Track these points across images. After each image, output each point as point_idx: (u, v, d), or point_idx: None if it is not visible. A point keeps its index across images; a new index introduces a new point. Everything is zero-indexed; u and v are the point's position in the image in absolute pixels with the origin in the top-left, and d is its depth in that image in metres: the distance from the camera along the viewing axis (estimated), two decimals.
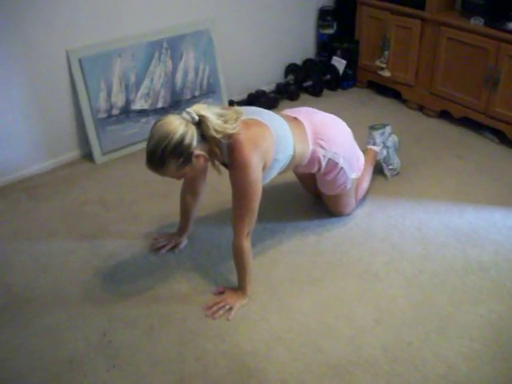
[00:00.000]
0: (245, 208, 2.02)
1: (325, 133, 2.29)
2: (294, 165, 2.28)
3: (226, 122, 1.95)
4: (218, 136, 1.94)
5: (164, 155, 1.89)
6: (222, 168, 2.14)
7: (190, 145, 1.90)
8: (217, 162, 2.11)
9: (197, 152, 1.94)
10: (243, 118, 2.03)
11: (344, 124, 2.45)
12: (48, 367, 1.91)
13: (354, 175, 2.44)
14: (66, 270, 2.35)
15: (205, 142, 1.97)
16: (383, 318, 2.08)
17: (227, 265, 2.29)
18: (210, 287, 2.23)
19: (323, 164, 2.31)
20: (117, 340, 2.01)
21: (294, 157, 2.21)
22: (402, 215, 2.65)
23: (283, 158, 2.16)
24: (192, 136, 1.91)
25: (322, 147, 2.28)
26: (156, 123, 1.94)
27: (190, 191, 2.35)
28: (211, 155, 2.04)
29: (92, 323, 2.08)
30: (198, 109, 1.94)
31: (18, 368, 1.92)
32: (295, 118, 2.29)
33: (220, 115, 1.96)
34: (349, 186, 2.45)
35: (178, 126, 1.89)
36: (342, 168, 2.35)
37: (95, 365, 1.91)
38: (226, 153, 2.02)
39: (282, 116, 2.27)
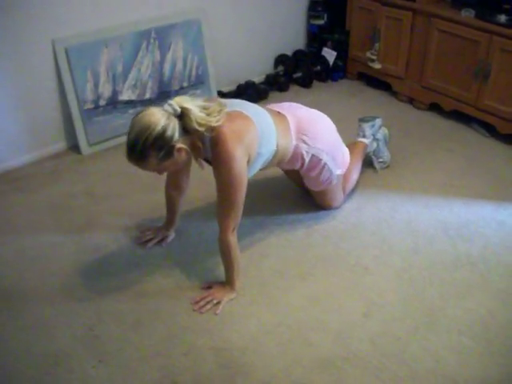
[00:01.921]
0: (230, 203, 1.99)
1: (308, 128, 2.26)
2: (277, 160, 2.25)
3: (209, 114, 1.91)
4: (201, 129, 1.90)
5: (144, 148, 1.86)
6: (205, 163, 2.11)
7: (171, 137, 1.87)
8: (199, 158, 2.07)
9: (179, 145, 1.91)
10: (227, 110, 2.00)
11: (328, 119, 2.42)
12: (34, 362, 1.89)
13: (338, 171, 2.41)
14: (52, 263, 2.32)
15: (187, 135, 1.93)
16: (372, 311, 2.07)
17: (215, 259, 2.26)
18: (198, 281, 2.21)
19: (306, 160, 2.28)
20: (104, 334, 1.99)
21: (277, 151, 2.18)
22: (391, 208, 2.64)
23: (266, 152, 2.13)
24: (174, 129, 1.87)
25: (305, 143, 2.25)
26: (137, 115, 1.91)
27: (174, 186, 2.32)
28: (193, 149, 2.00)
29: (79, 317, 2.06)
30: (181, 101, 1.90)
31: (4, 362, 1.89)
32: (279, 113, 2.26)
33: (203, 108, 1.93)
34: (334, 182, 2.43)
35: (159, 118, 1.85)
36: (325, 164, 2.32)
37: (82, 360, 1.89)
38: (209, 146, 1.98)
39: (267, 110, 2.23)
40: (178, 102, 1.89)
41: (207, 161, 2.09)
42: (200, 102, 1.96)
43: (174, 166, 2.01)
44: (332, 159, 2.34)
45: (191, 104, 1.90)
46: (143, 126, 1.85)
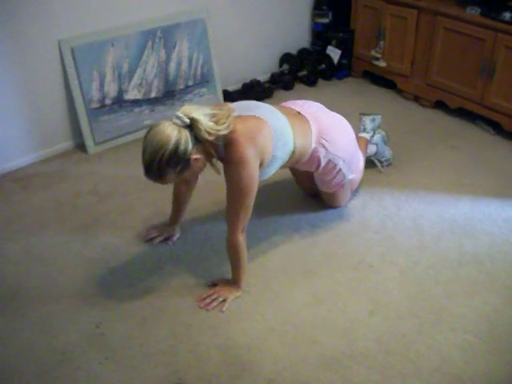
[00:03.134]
0: (239, 204, 1.98)
1: (329, 133, 2.25)
2: (294, 161, 2.23)
3: (217, 122, 1.90)
4: (211, 138, 1.89)
5: (161, 167, 1.85)
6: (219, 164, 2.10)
7: (185, 152, 1.85)
8: (214, 161, 2.05)
9: (194, 156, 1.90)
10: (240, 114, 1.99)
11: (348, 124, 2.41)
12: (40, 359, 1.90)
13: (351, 176, 2.42)
14: (58, 261, 2.33)
15: (200, 143, 1.91)
16: (377, 309, 2.07)
17: (221, 256, 2.27)
18: (204, 279, 2.22)
19: (322, 164, 2.28)
20: (109, 332, 2.00)
21: (294, 153, 2.17)
22: (396, 206, 2.64)
23: (282, 154, 2.12)
24: (186, 141, 1.85)
25: (324, 147, 2.24)
26: (148, 132, 1.88)
27: (183, 184, 2.32)
28: (207, 155, 1.99)
29: (85, 315, 2.07)
30: (189, 111, 1.87)
31: (10, 360, 1.90)
32: (299, 113, 2.24)
33: (212, 116, 1.91)
34: (346, 186, 2.45)
35: (170, 133, 1.83)
36: (340, 169, 2.33)
37: (88, 357, 1.90)
38: (223, 149, 1.98)
39: (282, 109, 2.21)
40: (186, 112, 1.87)
41: (222, 159, 2.08)
42: (207, 109, 1.93)
43: (193, 174, 2.04)
44: (347, 165, 2.34)
45: (199, 113, 1.87)
46: (155, 146, 1.83)
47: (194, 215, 2.56)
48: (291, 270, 2.27)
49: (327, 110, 2.39)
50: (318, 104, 2.40)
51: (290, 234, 2.47)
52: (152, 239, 2.41)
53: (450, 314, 2.04)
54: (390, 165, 2.94)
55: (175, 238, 2.43)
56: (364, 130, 2.82)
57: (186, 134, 1.85)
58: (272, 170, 2.15)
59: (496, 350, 1.90)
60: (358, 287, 2.18)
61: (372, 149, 2.84)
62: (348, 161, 2.34)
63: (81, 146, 3.14)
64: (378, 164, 2.89)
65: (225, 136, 1.93)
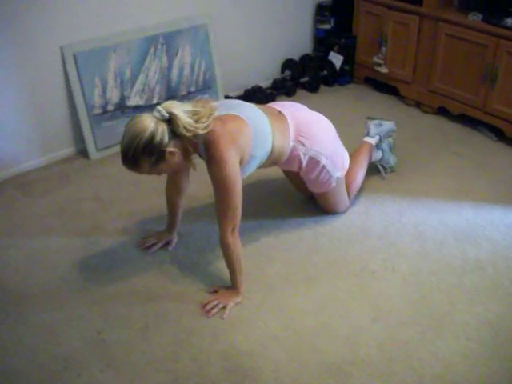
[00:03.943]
0: (226, 204, 2.00)
1: (307, 130, 2.27)
2: (272, 160, 2.26)
3: (197, 120, 1.93)
4: (188, 134, 1.92)
5: (136, 155, 1.90)
6: (201, 162, 2.11)
7: (160, 143, 1.90)
8: (192, 157, 2.08)
9: (170, 149, 1.93)
10: (220, 113, 2.02)
11: (328, 122, 2.42)
12: (42, 366, 1.89)
13: (338, 174, 2.40)
14: (60, 267, 2.33)
15: (178, 138, 1.95)
16: (380, 316, 2.06)
17: (221, 262, 2.26)
18: (205, 285, 2.22)
19: (304, 162, 2.29)
20: (111, 339, 1.99)
21: (272, 152, 2.20)
22: (398, 213, 2.63)
23: (260, 154, 2.15)
24: (162, 133, 1.90)
25: (303, 144, 2.25)
26: (128, 122, 1.95)
27: (174, 187, 2.34)
28: (184, 151, 2.02)
29: (86, 321, 2.06)
30: (169, 106, 1.92)
31: (13, 366, 1.90)
32: (280, 113, 2.27)
33: (193, 113, 1.94)
34: (333, 184, 2.42)
35: (147, 124, 1.89)
36: (324, 166, 2.32)
37: (90, 364, 1.90)
38: (203, 149, 2.00)
39: (265, 109, 2.24)
40: (166, 107, 1.92)
41: (203, 159, 2.09)
42: (189, 106, 1.97)
43: (169, 168, 2.05)
44: (331, 162, 2.33)
45: (179, 109, 1.92)
46: (132, 134, 1.89)
47: (195, 220, 2.56)
48: (293, 277, 2.26)
49: (310, 110, 2.41)
50: (302, 105, 2.42)
51: (292, 240, 2.47)
52: (150, 247, 2.41)
53: (453, 321, 2.04)
54: (393, 172, 2.93)
55: (174, 243, 2.43)
56: (368, 134, 2.81)
57: (162, 127, 1.90)
58: (250, 169, 2.18)
59: (498, 357, 1.89)
60: (360, 294, 2.17)
61: (378, 155, 2.84)
62: (331, 157, 2.33)
63: (83, 152, 3.15)
64: (382, 170, 2.89)
65: (205, 135, 1.95)
